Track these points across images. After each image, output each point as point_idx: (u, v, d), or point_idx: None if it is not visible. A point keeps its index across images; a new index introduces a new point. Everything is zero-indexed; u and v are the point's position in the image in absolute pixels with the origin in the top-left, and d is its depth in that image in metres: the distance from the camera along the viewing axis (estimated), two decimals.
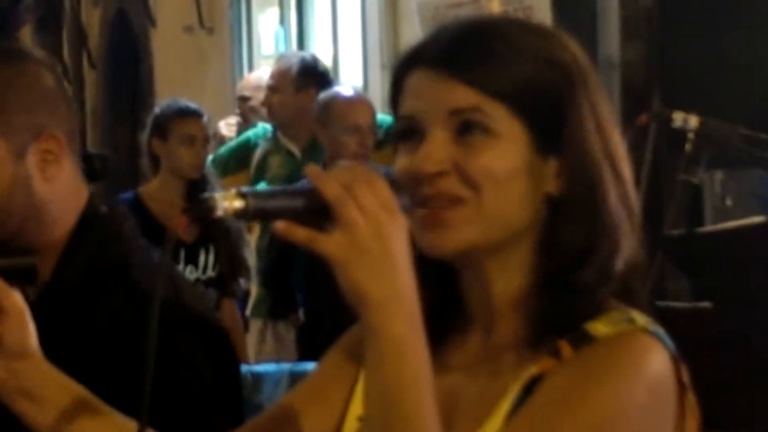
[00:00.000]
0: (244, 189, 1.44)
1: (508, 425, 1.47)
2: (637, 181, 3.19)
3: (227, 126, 6.89)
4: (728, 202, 4.65)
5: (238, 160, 6.25)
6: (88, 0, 11.93)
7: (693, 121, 3.04)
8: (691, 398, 1.53)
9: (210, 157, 5.76)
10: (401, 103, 1.56)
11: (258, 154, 6.03)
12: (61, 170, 2.07)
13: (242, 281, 5.62)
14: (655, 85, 4.65)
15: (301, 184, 1.49)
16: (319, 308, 5.17)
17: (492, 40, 1.55)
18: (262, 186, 5.85)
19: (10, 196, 2.01)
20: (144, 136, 5.50)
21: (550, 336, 1.50)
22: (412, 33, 6.01)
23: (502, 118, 1.51)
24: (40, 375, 1.69)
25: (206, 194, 1.43)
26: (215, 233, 5.36)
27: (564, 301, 1.51)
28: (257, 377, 3.73)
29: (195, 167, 5.37)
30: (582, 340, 1.49)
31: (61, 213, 2.06)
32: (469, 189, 1.49)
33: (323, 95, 5.41)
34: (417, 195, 1.49)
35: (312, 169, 1.43)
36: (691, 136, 3.04)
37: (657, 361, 1.48)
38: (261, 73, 7.06)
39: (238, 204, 1.41)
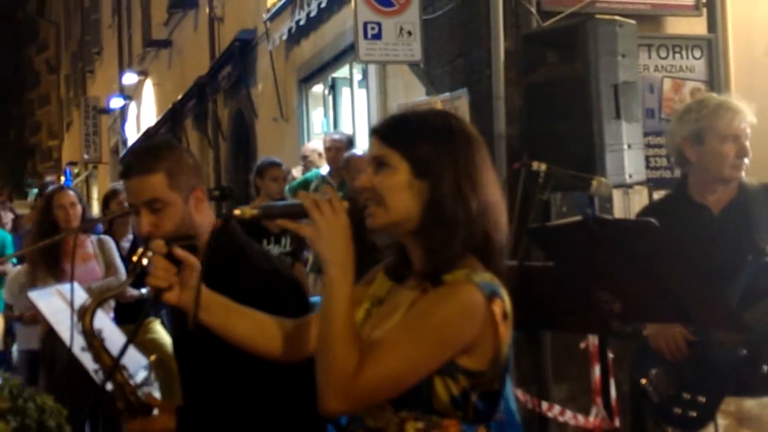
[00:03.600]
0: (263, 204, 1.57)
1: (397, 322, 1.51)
2: (515, 199, 3.21)
3: (296, 171, 6.90)
4: (564, 209, 4.67)
5: (301, 189, 6.25)
6: (220, 104, 11.93)
7: (543, 167, 3.06)
8: (504, 323, 1.49)
9: (286, 188, 5.77)
10: None
11: (312, 186, 6.04)
12: (204, 207, 2.11)
13: (305, 253, 5.63)
14: (524, 148, 4.66)
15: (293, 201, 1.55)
16: None
17: (405, 119, 1.59)
18: None
19: (190, 223, 2.05)
20: (251, 177, 5.54)
21: (428, 280, 1.53)
22: None
23: (394, 158, 1.54)
24: (207, 296, 1.68)
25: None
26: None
27: (435, 262, 1.52)
28: (312, 305, 3.71)
29: (278, 194, 5.42)
30: (438, 282, 1.51)
31: (204, 229, 2.08)
32: (377, 197, 1.54)
33: (346, 154, 5.42)
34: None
35: (302, 194, 1.51)
36: (542, 174, 3.05)
37: (469, 297, 1.47)
38: (314, 143, 7.08)
39: (255, 212, 1.54)
